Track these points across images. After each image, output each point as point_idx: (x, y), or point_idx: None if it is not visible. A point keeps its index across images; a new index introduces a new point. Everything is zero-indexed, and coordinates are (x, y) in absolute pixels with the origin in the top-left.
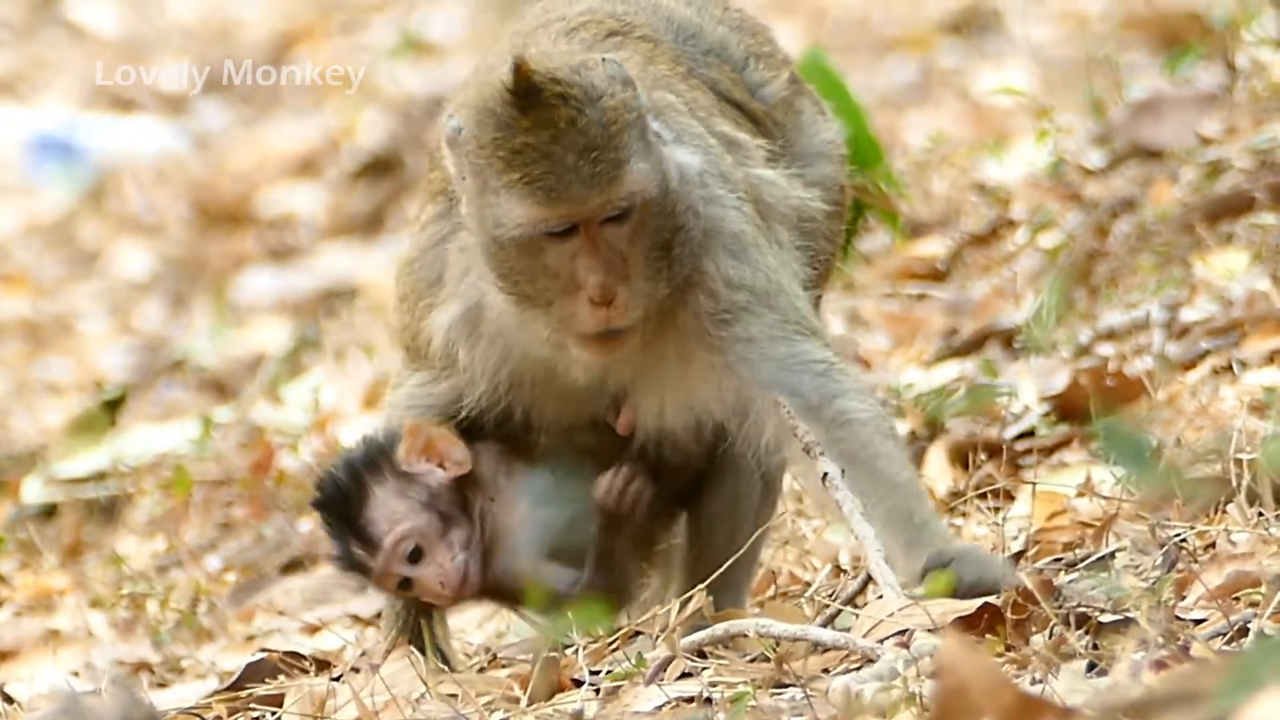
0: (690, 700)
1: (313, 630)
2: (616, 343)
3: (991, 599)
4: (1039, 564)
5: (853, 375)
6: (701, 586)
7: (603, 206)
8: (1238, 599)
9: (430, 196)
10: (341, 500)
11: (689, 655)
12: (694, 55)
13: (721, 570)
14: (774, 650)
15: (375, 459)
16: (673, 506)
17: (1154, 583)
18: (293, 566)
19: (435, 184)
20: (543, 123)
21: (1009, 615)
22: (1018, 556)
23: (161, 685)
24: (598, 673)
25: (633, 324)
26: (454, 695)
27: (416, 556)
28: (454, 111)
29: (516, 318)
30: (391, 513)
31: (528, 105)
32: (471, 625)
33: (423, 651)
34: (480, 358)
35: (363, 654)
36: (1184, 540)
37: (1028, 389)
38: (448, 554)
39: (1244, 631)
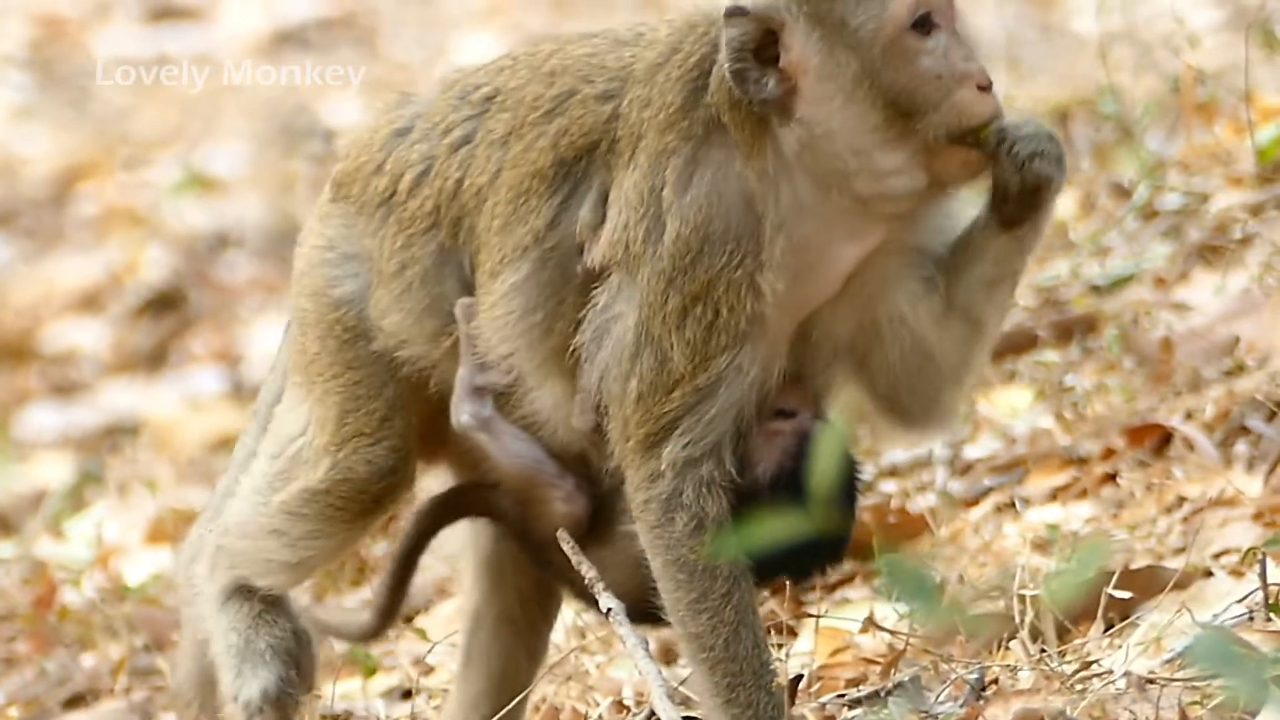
0: None
1: None
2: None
3: None
4: (822, 699)
5: None
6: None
7: None
8: None
9: (676, 135)
10: None
11: None
12: None
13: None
14: None
15: None
16: None
17: (937, 719)
18: (75, 702)
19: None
20: None
21: None
22: (798, 684)
23: None
24: None
25: None
26: None
27: None
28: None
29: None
30: None
31: None
32: None
33: None
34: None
35: None
36: (968, 676)
37: None
38: None
39: None
